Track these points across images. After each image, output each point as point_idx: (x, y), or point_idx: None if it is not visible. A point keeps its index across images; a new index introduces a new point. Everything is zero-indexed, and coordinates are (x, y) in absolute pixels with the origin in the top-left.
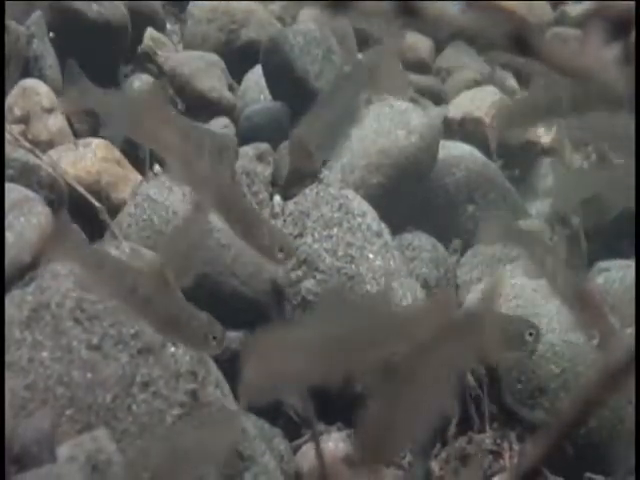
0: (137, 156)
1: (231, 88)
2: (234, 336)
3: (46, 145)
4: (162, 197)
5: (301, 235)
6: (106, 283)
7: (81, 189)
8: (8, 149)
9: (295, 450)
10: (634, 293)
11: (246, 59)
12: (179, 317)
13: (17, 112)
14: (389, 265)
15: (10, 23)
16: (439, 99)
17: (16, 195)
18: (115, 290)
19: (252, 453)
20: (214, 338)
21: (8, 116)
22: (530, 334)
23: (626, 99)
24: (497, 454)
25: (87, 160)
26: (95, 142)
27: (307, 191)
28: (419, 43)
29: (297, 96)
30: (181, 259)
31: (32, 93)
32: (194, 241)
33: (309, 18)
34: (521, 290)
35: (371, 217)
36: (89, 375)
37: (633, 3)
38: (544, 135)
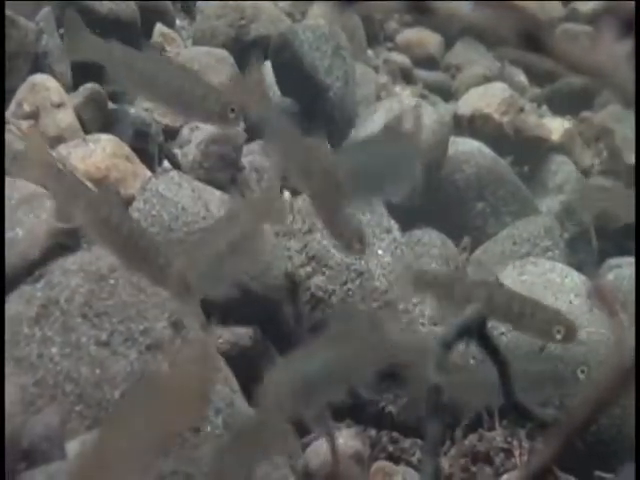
0: (146, 152)
1: None
2: (244, 332)
3: (55, 141)
4: (171, 193)
5: (310, 231)
6: (80, 212)
7: (90, 185)
8: (18, 145)
9: (304, 447)
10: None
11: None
12: (147, 250)
13: (26, 107)
14: (398, 261)
15: (19, 19)
16: (448, 95)
17: (25, 191)
18: (88, 220)
19: None
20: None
21: (18, 111)
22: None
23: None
24: (508, 452)
25: (96, 156)
26: (104, 138)
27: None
28: (428, 39)
29: (306, 92)
30: (206, 266)
31: (41, 88)
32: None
33: (318, 14)
34: (531, 287)
35: (380, 213)
36: (98, 371)
37: None
38: (554, 132)
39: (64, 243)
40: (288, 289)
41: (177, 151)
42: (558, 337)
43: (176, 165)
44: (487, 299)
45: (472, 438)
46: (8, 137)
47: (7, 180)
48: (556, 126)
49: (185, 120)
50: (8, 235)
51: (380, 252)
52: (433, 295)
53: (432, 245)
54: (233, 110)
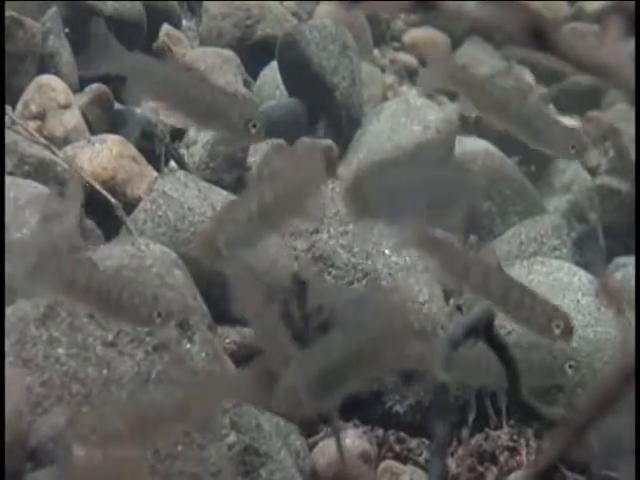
0: (153, 152)
1: (247, 84)
2: (250, 332)
3: (62, 141)
4: (177, 193)
5: (317, 231)
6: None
7: (97, 185)
8: (25, 145)
9: (311, 447)
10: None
11: (262, 55)
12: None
13: (33, 108)
14: (405, 261)
15: (26, 19)
16: (455, 94)
17: (32, 191)
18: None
19: (268, 450)
20: None
21: (24, 112)
22: (570, 366)
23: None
24: (514, 450)
25: (103, 156)
26: (110, 138)
27: (323, 187)
28: (435, 38)
29: (313, 92)
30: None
31: (48, 89)
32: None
33: (325, 14)
34: (538, 286)
35: None
36: (104, 372)
37: None
38: None
39: (70, 244)
40: (295, 289)
41: (184, 151)
42: (556, 332)
43: (182, 165)
44: (484, 281)
45: (479, 437)
46: (15, 138)
47: (14, 181)
48: None
49: (205, 132)
50: (15, 236)
51: (387, 252)
52: (434, 261)
53: None
54: (255, 125)
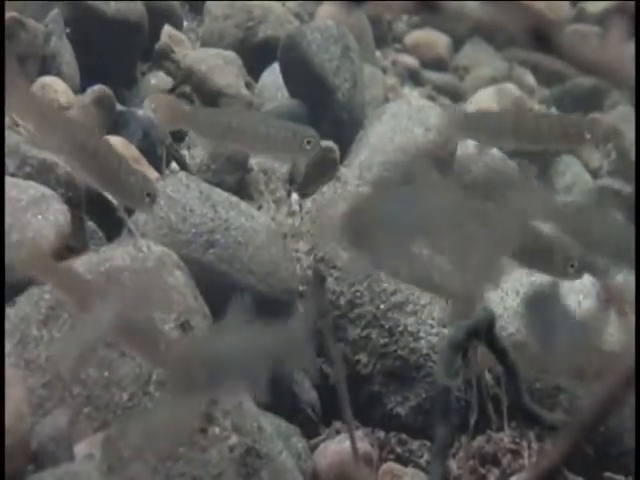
0: (154, 154)
1: (248, 85)
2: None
3: None
4: (179, 194)
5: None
6: (54, 137)
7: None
8: (26, 147)
9: (313, 448)
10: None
11: (264, 56)
12: (118, 173)
13: None
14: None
15: (28, 20)
16: (457, 97)
17: (34, 192)
18: (61, 144)
19: (269, 451)
20: (148, 195)
21: None
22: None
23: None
24: (516, 453)
25: None
26: (112, 140)
27: (325, 189)
28: (437, 40)
29: (315, 93)
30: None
31: (50, 90)
32: None
33: (327, 15)
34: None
35: None
36: (106, 374)
37: None
38: None
39: (72, 245)
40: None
41: (185, 153)
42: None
43: (184, 167)
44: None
45: (481, 439)
46: (16, 139)
47: (16, 182)
48: None
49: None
50: (17, 237)
51: None
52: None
53: None
54: (309, 142)
